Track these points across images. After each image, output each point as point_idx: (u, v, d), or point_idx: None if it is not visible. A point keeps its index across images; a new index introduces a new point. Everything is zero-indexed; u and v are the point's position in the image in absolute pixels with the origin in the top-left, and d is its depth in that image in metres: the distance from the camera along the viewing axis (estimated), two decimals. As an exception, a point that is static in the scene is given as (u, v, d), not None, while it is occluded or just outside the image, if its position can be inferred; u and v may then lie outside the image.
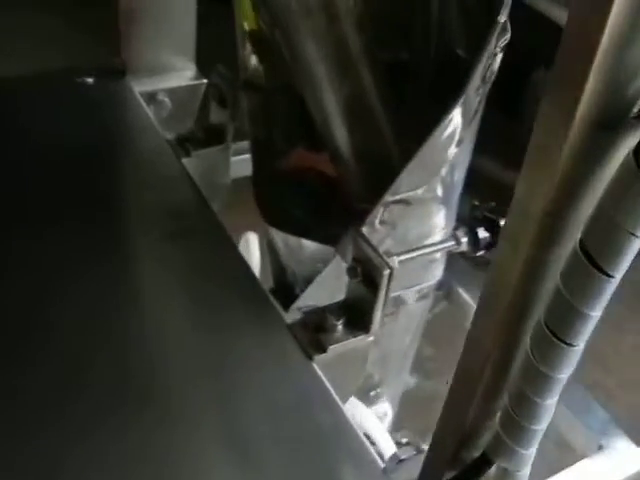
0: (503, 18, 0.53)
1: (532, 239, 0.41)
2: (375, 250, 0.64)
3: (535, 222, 0.40)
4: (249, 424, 0.61)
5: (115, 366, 0.63)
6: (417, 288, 0.84)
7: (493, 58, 0.55)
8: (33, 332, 0.65)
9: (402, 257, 0.68)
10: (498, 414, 0.50)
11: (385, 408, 0.99)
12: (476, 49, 0.54)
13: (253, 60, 0.81)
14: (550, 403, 0.46)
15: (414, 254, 0.68)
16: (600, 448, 0.79)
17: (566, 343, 0.43)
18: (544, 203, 0.39)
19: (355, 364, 0.69)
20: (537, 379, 0.45)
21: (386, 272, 0.63)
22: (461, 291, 1.00)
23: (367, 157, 0.73)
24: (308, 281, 0.82)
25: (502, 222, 0.70)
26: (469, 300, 1.02)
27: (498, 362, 0.47)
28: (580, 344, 0.43)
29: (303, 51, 0.65)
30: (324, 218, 0.80)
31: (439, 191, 0.67)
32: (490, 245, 0.71)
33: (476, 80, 0.55)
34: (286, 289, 0.88)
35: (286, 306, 0.79)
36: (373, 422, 0.77)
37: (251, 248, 0.99)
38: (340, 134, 0.71)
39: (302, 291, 0.85)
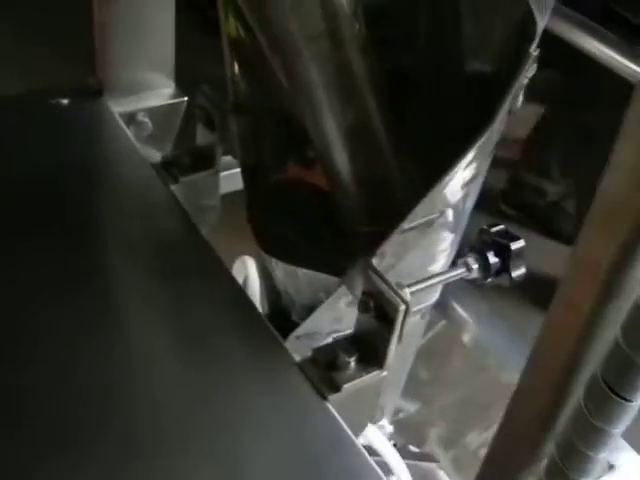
0: (536, 50, 0.51)
1: (592, 293, 0.39)
2: (388, 284, 0.62)
3: (596, 276, 0.38)
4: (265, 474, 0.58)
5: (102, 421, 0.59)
6: (416, 309, 0.82)
7: (520, 90, 0.52)
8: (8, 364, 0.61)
9: (414, 288, 0.65)
10: (543, 462, 0.48)
11: (383, 423, 0.98)
12: (497, 77, 0.52)
13: (241, 80, 0.77)
14: (603, 457, 0.45)
15: (426, 284, 0.66)
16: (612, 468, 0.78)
17: (624, 399, 0.41)
18: (607, 259, 0.37)
19: (369, 399, 0.67)
20: (590, 433, 0.43)
21: (402, 308, 0.61)
22: (456, 306, 0.98)
23: (370, 181, 0.71)
24: (307, 309, 0.80)
25: (513, 246, 0.68)
26: (464, 315, 1.00)
27: (547, 412, 0.45)
28: (638, 400, 0.41)
29: (305, 76, 0.62)
30: (322, 243, 0.77)
31: (450, 217, 0.65)
32: (500, 271, 0.68)
33: (503, 113, 0.52)
34: (281, 315, 0.85)
35: (282, 333, 0.76)
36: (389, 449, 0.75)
37: (250, 273, 0.96)
38: (341, 159, 0.69)
39: (299, 318, 0.82)
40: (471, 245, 0.70)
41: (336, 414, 0.63)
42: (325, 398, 0.64)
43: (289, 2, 0.56)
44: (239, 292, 0.74)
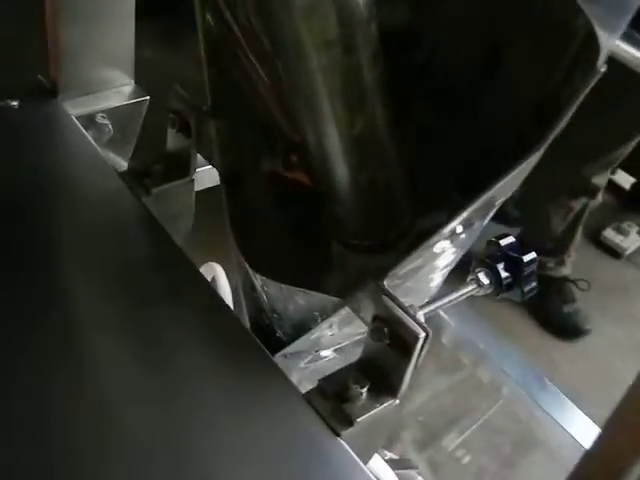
0: (604, 67, 0.46)
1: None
2: (405, 310, 0.57)
3: None
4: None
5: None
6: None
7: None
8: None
9: (427, 310, 0.61)
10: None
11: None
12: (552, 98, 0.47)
13: (220, 82, 0.71)
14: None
15: (437, 305, 0.61)
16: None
17: None
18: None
19: (382, 429, 0.62)
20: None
21: (422, 336, 0.56)
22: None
23: (372, 194, 0.65)
24: (295, 326, 0.74)
25: (525, 259, 0.65)
26: (444, 315, 0.97)
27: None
28: None
29: (309, 84, 0.57)
30: (313, 259, 0.71)
31: (463, 234, 0.61)
32: (511, 285, 0.65)
33: (556, 131, 0.48)
34: (265, 330, 0.80)
35: (268, 349, 0.71)
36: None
37: (220, 282, 0.90)
38: (341, 170, 0.63)
39: (285, 334, 0.77)
40: (479, 258, 0.65)
41: (349, 449, 0.59)
42: (338, 434, 0.58)
43: (300, 6, 0.50)
44: (223, 309, 0.68)
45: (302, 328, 0.73)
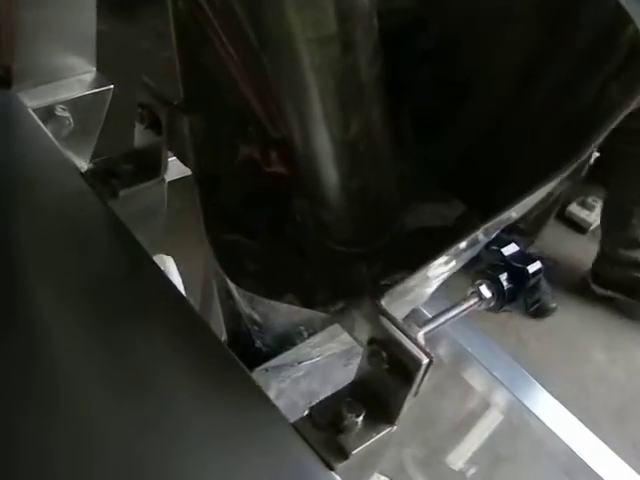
0: None
1: None
2: (406, 333, 0.52)
3: None
4: None
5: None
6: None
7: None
8: None
9: (427, 329, 0.56)
10: None
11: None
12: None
13: (194, 74, 0.64)
14: None
15: (438, 323, 0.56)
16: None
17: None
18: None
19: (377, 457, 0.57)
20: None
21: (424, 362, 0.51)
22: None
23: (363, 199, 0.60)
24: (278, 338, 0.69)
25: (531, 269, 0.60)
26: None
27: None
28: None
29: (299, 84, 0.50)
30: (296, 270, 0.66)
31: (466, 250, 0.55)
32: (514, 297, 0.60)
33: (590, 150, 0.42)
34: (243, 340, 0.74)
35: (246, 362, 0.66)
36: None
37: (171, 273, 0.84)
38: (331, 175, 0.57)
39: (266, 346, 0.72)
40: (480, 269, 0.60)
41: (343, 483, 0.54)
42: (331, 468, 0.53)
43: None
44: (198, 323, 0.62)
45: (285, 340, 0.68)
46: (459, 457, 1.06)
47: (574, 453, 0.85)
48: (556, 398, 0.98)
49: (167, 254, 0.93)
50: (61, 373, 0.57)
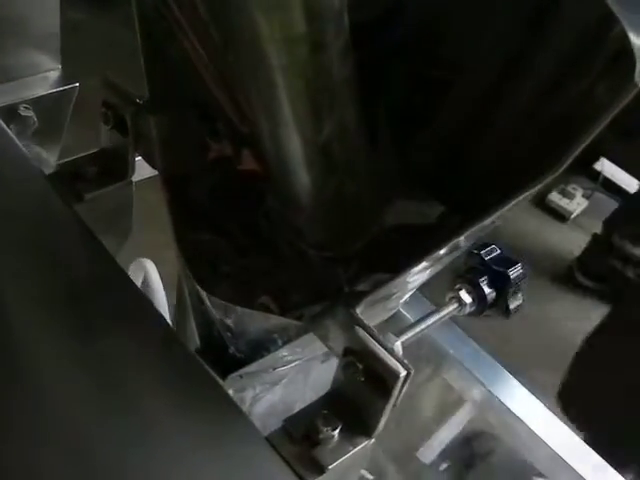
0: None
1: None
2: (382, 343, 0.50)
3: None
4: None
5: None
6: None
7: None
8: None
9: (404, 338, 0.54)
10: None
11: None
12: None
13: (159, 72, 0.62)
14: None
15: (415, 332, 0.54)
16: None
17: None
18: None
19: (355, 471, 0.55)
20: None
21: (402, 375, 0.49)
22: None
23: (337, 203, 0.57)
24: (251, 344, 0.67)
25: (512, 274, 0.58)
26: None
27: None
28: None
29: (267, 87, 0.48)
30: (268, 276, 0.63)
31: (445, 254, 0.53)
32: (495, 302, 0.58)
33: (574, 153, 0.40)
34: (215, 345, 0.72)
35: (218, 368, 0.64)
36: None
37: (151, 282, 0.81)
38: (304, 180, 0.55)
39: (239, 351, 0.69)
40: (459, 273, 0.58)
41: (319, 499, 0.51)
42: (306, 483, 0.51)
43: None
44: (169, 334, 0.60)
45: (259, 347, 0.66)
46: (432, 452, 1.05)
47: (551, 449, 0.84)
48: (540, 389, 0.97)
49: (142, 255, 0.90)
50: (23, 383, 0.54)
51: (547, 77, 0.45)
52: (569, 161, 0.41)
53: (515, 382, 0.88)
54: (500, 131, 0.49)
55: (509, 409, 0.84)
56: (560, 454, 0.82)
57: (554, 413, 0.89)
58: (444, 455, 1.05)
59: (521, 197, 0.43)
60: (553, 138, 0.43)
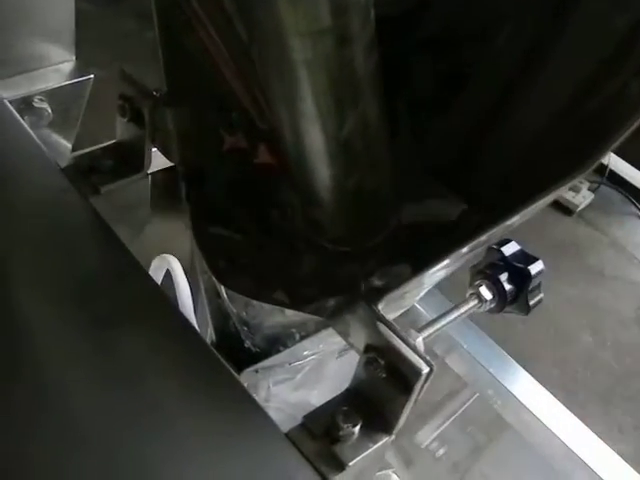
0: None
1: None
2: (404, 339, 0.49)
3: None
4: None
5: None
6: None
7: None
8: None
9: (425, 334, 0.53)
10: None
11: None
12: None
13: (178, 65, 0.61)
14: None
15: (437, 328, 0.54)
16: None
17: None
18: None
19: (374, 466, 0.55)
20: None
21: (425, 372, 0.48)
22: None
23: (359, 199, 0.57)
24: (268, 339, 0.67)
25: (533, 270, 0.57)
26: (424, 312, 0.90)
27: None
28: None
29: (290, 80, 0.47)
30: (287, 270, 0.63)
31: (467, 253, 0.53)
32: (515, 299, 0.57)
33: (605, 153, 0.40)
34: (231, 340, 0.71)
35: (233, 362, 0.64)
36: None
37: (176, 277, 0.80)
38: (325, 174, 0.55)
39: (256, 346, 0.69)
40: (479, 269, 0.58)
41: (340, 496, 0.51)
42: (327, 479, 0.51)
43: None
44: (186, 328, 0.59)
45: (276, 342, 0.66)
46: (433, 437, 1.05)
47: (558, 438, 0.84)
48: (542, 381, 0.96)
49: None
50: (46, 376, 0.54)
51: (579, 75, 0.44)
52: (599, 160, 0.40)
53: (518, 367, 0.88)
54: (525, 128, 0.49)
55: (512, 394, 0.84)
56: (568, 444, 0.82)
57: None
58: (442, 440, 1.04)
59: (548, 197, 0.42)
60: (584, 136, 0.42)
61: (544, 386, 0.98)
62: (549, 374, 2.27)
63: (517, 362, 0.96)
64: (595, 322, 2.48)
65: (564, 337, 2.42)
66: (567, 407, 1.01)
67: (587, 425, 0.95)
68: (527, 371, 0.95)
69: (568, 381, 2.25)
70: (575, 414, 1.04)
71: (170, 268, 0.81)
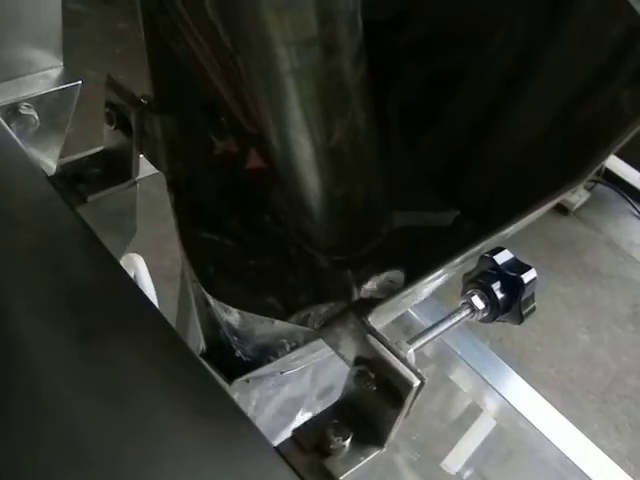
0: None
1: None
2: (395, 352, 0.48)
3: None
4: None
5: None
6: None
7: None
8: None
9: (417, 345, 0.52)
10: None
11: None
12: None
13: (165, 73, 0.60)
14: None
15: (428, 339, 0.53)
16: None
17: None
18: None
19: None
20: None
21: (416, 385, 0.48)
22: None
23: (348, 209, 0.56)
24: (259, 349, 0.66)
25: (526, 278, 0.56)
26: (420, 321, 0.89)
27: None
28: None
29: (277, 90, 0.46)
30: (276, 280, 0.62)
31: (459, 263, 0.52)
32: (508, 308, 0.56)
33: (596, 168, 0.39)
34: (222, 349, 0.70)
35: (224, 373, 0.63)
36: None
37: (141, 277, 0.79)
38: (314, 184, 0.54)
39: (245, 355, 0.68)
40: (471, 278, 0.57)
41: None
42: (319, 496, 0.50)
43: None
44: (174, 339, 0.58)
45: (266, 351, 0.65)
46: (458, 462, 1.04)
47: (553, 444, 0.83)
48: (539, 380, 0.95)
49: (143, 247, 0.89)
50: (35, 387, 0.53)
51: (571, 84, 0.44)
52: (593, 172, 0.39)
53: (518, 378, 0.88)
54: (517, 137, 0.48)
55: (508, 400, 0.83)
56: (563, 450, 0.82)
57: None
58: (468, 464, 1.04)
59: (542, 207, 0.42)
60: (576, 148, 0.42)
61: (541, 385, 0.97)
62: (545, 373, 2.28)
63: (513, 361, 0.96)
64: (591, 320, 2.48)
65: (560, 336, 2.42)
66: (563, 406, 1.00)
67: (584, 424, 0.95)
68: (524, 370, 0.94)
69: (564, 380, 2.25)
70: (572, 413, 1.03)
71: (134, 268, 0.80)
